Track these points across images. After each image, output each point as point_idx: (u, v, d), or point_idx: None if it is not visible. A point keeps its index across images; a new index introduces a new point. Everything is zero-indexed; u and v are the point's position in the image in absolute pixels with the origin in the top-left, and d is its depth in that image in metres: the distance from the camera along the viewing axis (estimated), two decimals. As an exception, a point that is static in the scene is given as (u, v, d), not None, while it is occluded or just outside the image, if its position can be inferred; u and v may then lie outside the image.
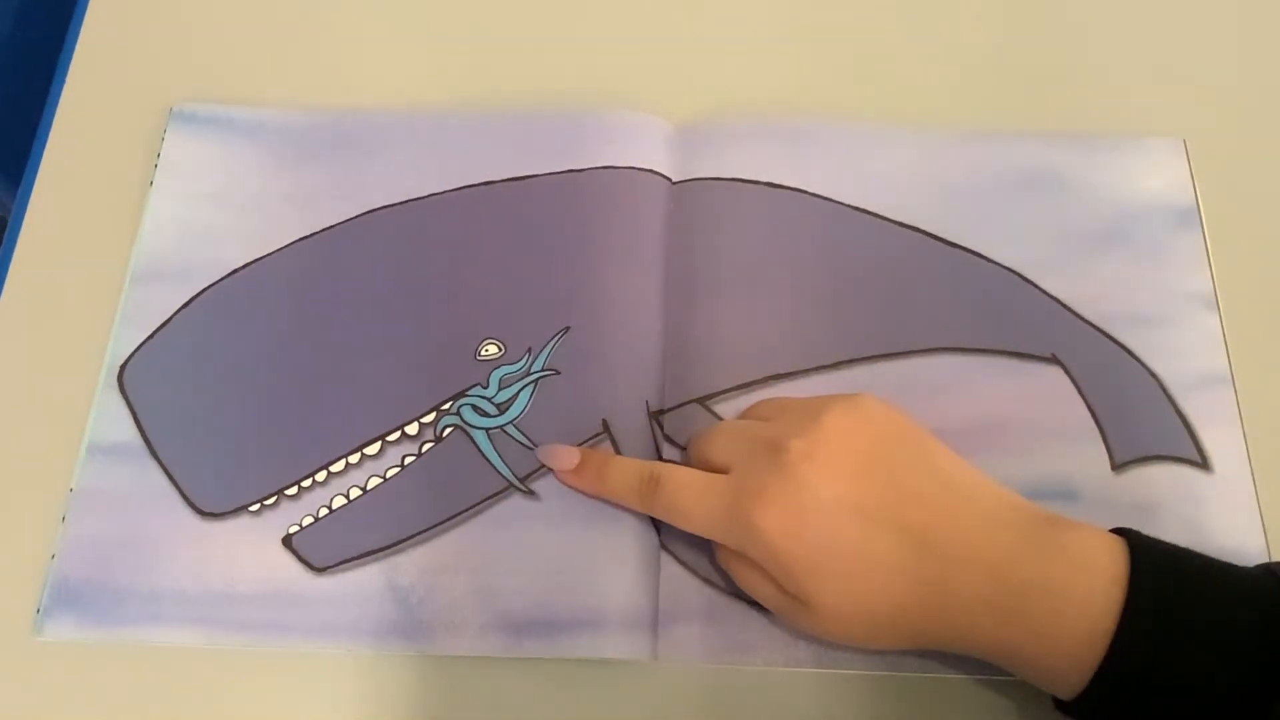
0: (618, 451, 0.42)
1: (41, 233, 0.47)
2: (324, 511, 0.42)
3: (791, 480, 0.36)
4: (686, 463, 0.42)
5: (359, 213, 0.47)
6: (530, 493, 0.42)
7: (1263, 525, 0.42)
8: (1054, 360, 0.45)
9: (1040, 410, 0.44)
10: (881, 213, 0.48)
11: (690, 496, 0.38)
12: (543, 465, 0.42)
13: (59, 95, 0.50)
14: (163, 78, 0.51)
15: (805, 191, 0.48)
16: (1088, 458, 0.43)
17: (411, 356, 0.44)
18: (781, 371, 0.45)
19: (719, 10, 0.53)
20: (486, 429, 0.43)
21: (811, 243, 0.47)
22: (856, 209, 0.48)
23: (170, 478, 0.42)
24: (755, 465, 0.37)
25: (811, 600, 0.36)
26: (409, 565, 0.41)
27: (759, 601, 0.39)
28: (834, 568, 0.36)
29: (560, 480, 0.42)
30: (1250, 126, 0.50)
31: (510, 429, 0.43)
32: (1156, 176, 0.48)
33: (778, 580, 0.37)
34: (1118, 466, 0.43)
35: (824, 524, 0.35)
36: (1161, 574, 0.34)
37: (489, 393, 0.44)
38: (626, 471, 0.40)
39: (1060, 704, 0.36)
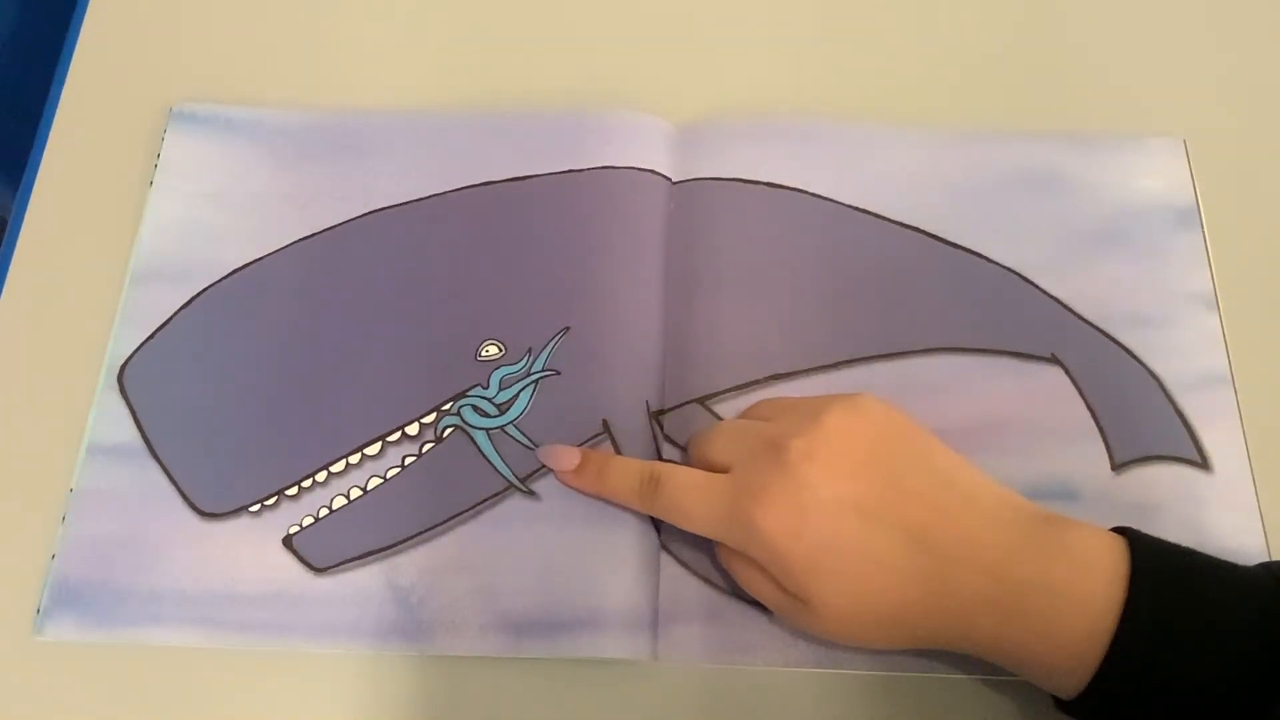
0: (618, 451, 0.42)
1: (41, 233, 0.47)
2: (324, 512, 0.42)
3: (792, 480, 0.36)
4: (687, 463, 0.42)
5: (359, 213, 0.47)
6: (531, 493, 0.42)
7: (1263, 525, 0.42)
8: (1054, 360, 0.45)
9: (1040, 410, 0.44)
10: (882, 212, 0.48)
11: (691, 496, 0.38)
12: (543, 465, 0.42)
13: (59, 95, 0.50)
14: (162, 78, 0.51)
15: (805, 191, 0.48)
16: (1088, 458, 0.43)
17: (412, 357, 0.44)
18: (781, 371, 0.45)
19: (719, 10, 0.53)
20: (487, 429, 0.43)
21: (811, 243, 0.47)
22: (856, 209, 0.48)
23: (170, 478, 0.42)
24: (755, 465, 0.37)
25: (812, 600, 0.36)
26: (409, 565, 0.41)
27: (760, 601, 0.39)
28: (834, 567, 0.36)
29: (561, 481, 0.42)
30: (1250, 126, 0.50)
31: (511, 429, 0.43)
32: (1156, 176, 0.48)
33: (778, 580, 0.37)
34: (1118, 466, 0.43)
35: (824, 523, 0.35)
36: (1162, 573, 0.34)
37: (489, 393, 0.44)
38: (627, 472, 0.40)
39: (1061, 704, 0.36)
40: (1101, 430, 0.43)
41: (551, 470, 0.42)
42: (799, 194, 0.48)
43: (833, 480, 0.36)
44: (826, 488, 0.36)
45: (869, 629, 0.37)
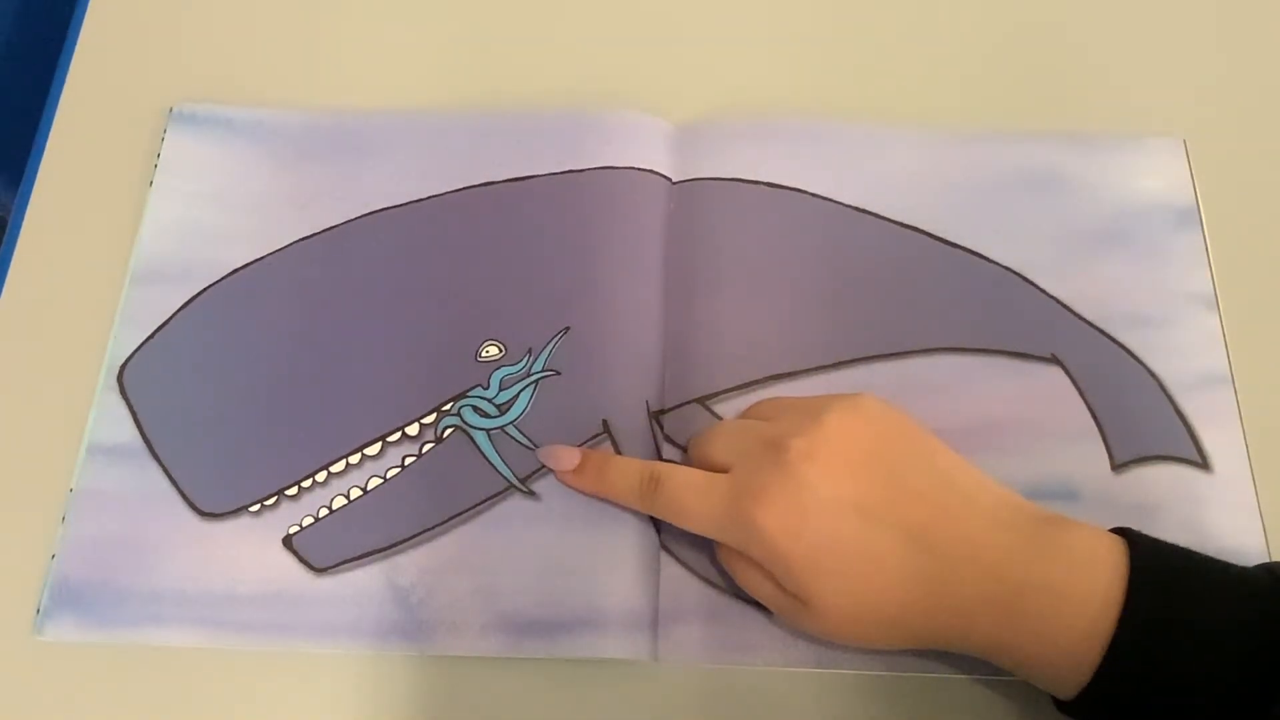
0: (618, 451, 0.42)
1: (41, 233, 0.47)
2: (324, 512, 0.42)
3: (792, 479, 0.36)
4: (687, 463, 0.42)
5: (359, 214, 0.47)
6: (531, 493, 0.42)
7: (1263, 525, 0.42)
8: (1054, 360, 0.45)
9: (1040, 410, 0.44)
10: (882, 213, 0.48)
11: (691, 496, 0.38)
12: (543, 466, 0.42)
13: (59, 96, 0.50)
14: (162, 78, 0.51)
15: (805, 192, 0.48)
16: (1087, 458, 0.43)
17: (412, 357, 0.44)
18: (781, 371, 0.45)
19: (719, 10, 0.53)
20: (487, 429, 0.43)
21: (811, 243, 0.47)
22: (857, 209, 0.48)
23: (170, 478, 0.42)
24: (756, 464, 0.37)
25: (813, 600, 0.36)
26: (409, 565, 0.41)
27: (760, 601, 0.39)
28: (835, 567, 0.36)
29: (561, 481, 0.42)
30: (1250, 126, 0.50)
31: (511, 429, 0.43)
32: (1156, 176, 0.48)
33: (778, 580, 0.37)
34: (1118, 466, 0.43)
35: (825, 523, 0.35)
36: (1161, 573, 0.34)
37: (489, 393, 0.44)
38: (627, 471, 0.40)
39: (1060, 704, 0.36)
40: (1101, 430, 0.43)
41: (552, 470, 0.42)
42: (799, 194, 0.48)
43: (833, 480, 0.36)
44: (827, 487, 0.36)
45: (870, 629, 0.37)
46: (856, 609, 0.36)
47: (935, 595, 0.35)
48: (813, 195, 0.48)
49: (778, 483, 0.36)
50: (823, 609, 0.36)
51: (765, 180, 0.48)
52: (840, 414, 0.37)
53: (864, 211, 0.48)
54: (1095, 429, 0.44)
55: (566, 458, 0.41)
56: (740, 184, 0.48)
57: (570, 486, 0.42)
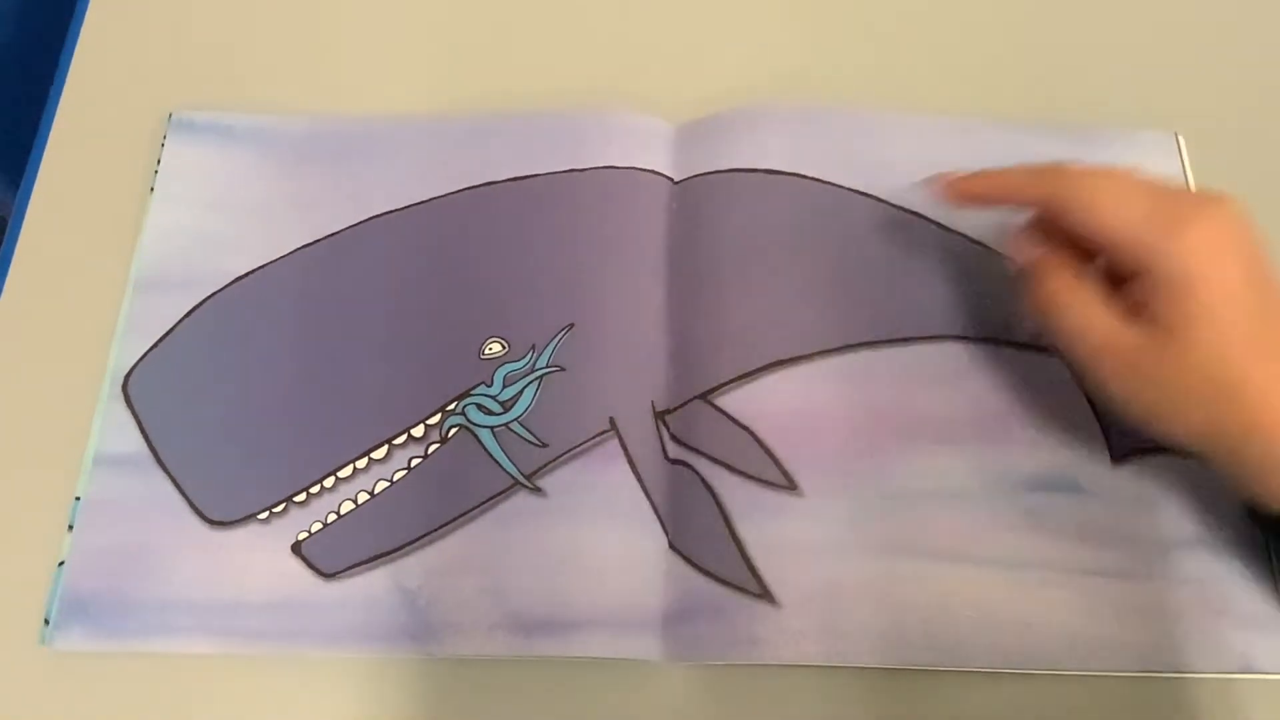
0: (624, 449, 0.42)
1: (41, 240, 0.47)
2: (332, 517, 0.42)
3: (1223, 217, 0.37)
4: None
5: (362, 218, 0.47)
6: (537, 489, 0.42)
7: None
8: (1054, 351, 0.45)
9: (1041, 401, 0.44)
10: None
11: (1110, 190, 0.38)
12: (550, 461, 0.42)
13: (58, 100, 0.50)
14: (162, 84, 0.50)
15: (805, 176, 0.48)
16: (1088, 449, 0.43)
17: (416, 358, 0.44)
18: (784, 357, 0.44)
19: (719, 10, 0.53)
20: (492, 427, 0.43)
21: (812, 226, 0.47)
22: (858, 192, 0.48)
23: (178, 487, 0.42)
24: (1182, 198, 0.38)
25: (1187, 333, 0.36)
26: (417, 567, 0.41)
27: (1072, 344, 0.39)
28: (1225, 307, 0.36)
29: (934, 195, 0.42)
30: (1242, 120, 0.51)
31: (515, 426, 0.43)
32: (1150, 170, 0.48)
33: (1163, 300, 0.37)
34: (1118, 458, 0.43)
35: (1239, 268, 0.37)
36: None
37: (494, 390, 0.44)
38: (1018, 169, 0.41)
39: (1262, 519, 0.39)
40: (1101, 422, 0.44)
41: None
42: (798, 178, 0.48)
43: (1248, 241, 0.37)
44: (1248, 240, 0.37)
45: (1203, 388, 0.37)
46: (1215, 358, 0.37)
47: (1265, 383, 0.36)
48: (813, 180, 0.48)
49: (1216, 216, 0.37)
50: (1187, 346, 0.36)
51: (764, 168, 0.48)
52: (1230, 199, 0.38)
53: (866, 195, 0.48)
54: (1095, 420, 0.44)
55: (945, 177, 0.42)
56: (739, 173, 0.48)
57: (943, 200, 0.42)
